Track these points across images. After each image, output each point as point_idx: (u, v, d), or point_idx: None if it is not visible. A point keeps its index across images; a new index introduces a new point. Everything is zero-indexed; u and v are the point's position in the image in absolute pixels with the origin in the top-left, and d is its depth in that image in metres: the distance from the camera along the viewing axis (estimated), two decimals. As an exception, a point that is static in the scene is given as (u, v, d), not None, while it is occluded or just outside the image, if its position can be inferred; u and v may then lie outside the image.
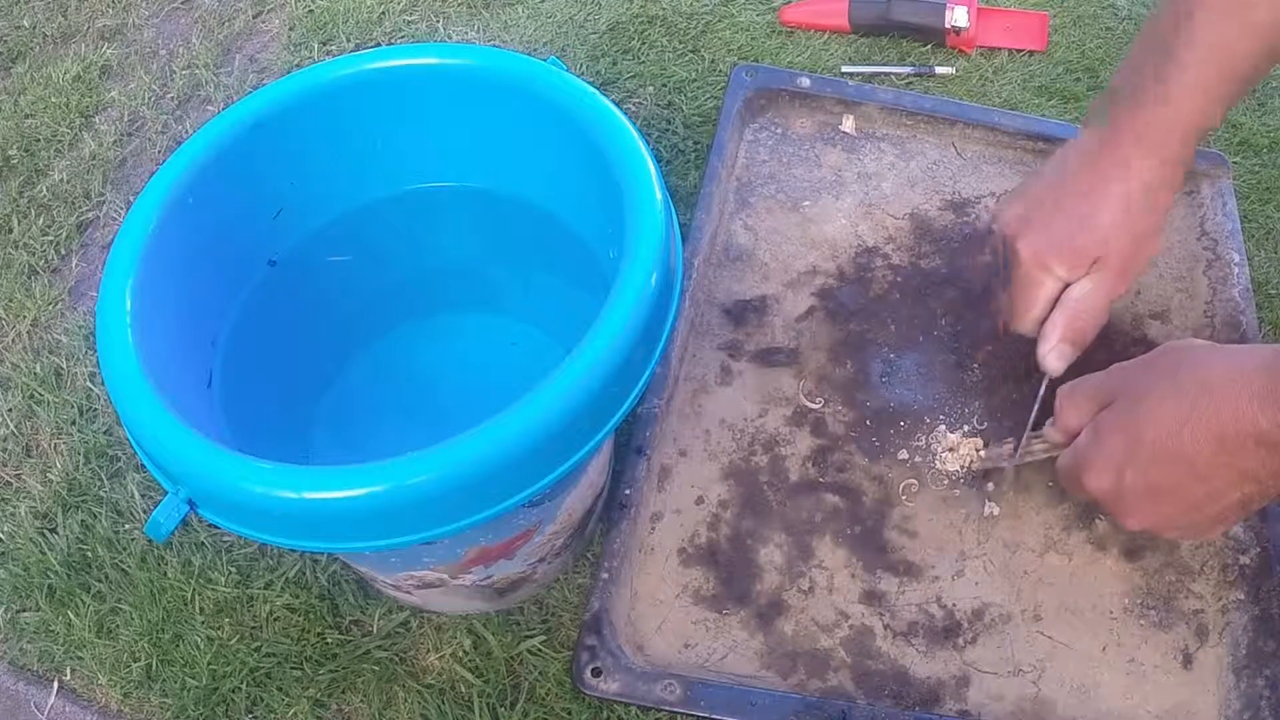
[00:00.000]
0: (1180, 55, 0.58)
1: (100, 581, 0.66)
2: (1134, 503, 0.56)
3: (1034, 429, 0.65)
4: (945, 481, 0.68)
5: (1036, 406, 0.65)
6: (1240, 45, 0.58)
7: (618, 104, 0.57)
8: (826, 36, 0.94)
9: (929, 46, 0.94)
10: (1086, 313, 0.62)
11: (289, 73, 0.70)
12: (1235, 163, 0.86)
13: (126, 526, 0.68)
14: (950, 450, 0.68)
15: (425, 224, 0.66)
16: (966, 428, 0.70)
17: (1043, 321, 0.63)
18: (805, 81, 0.86)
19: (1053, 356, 0.63)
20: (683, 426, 0.70)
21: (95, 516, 0.68)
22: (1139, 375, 0.57)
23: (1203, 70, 0.58)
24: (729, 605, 0.63)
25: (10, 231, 0.84)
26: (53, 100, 0.92)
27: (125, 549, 0.67)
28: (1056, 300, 0.63)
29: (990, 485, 0.68)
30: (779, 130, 0.86)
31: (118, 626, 0.65)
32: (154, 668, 0.63)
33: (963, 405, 0.71)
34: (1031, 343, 0.64)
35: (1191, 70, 0.58)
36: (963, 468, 0.68)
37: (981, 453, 0.68)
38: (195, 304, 0.55)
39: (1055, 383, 0.63)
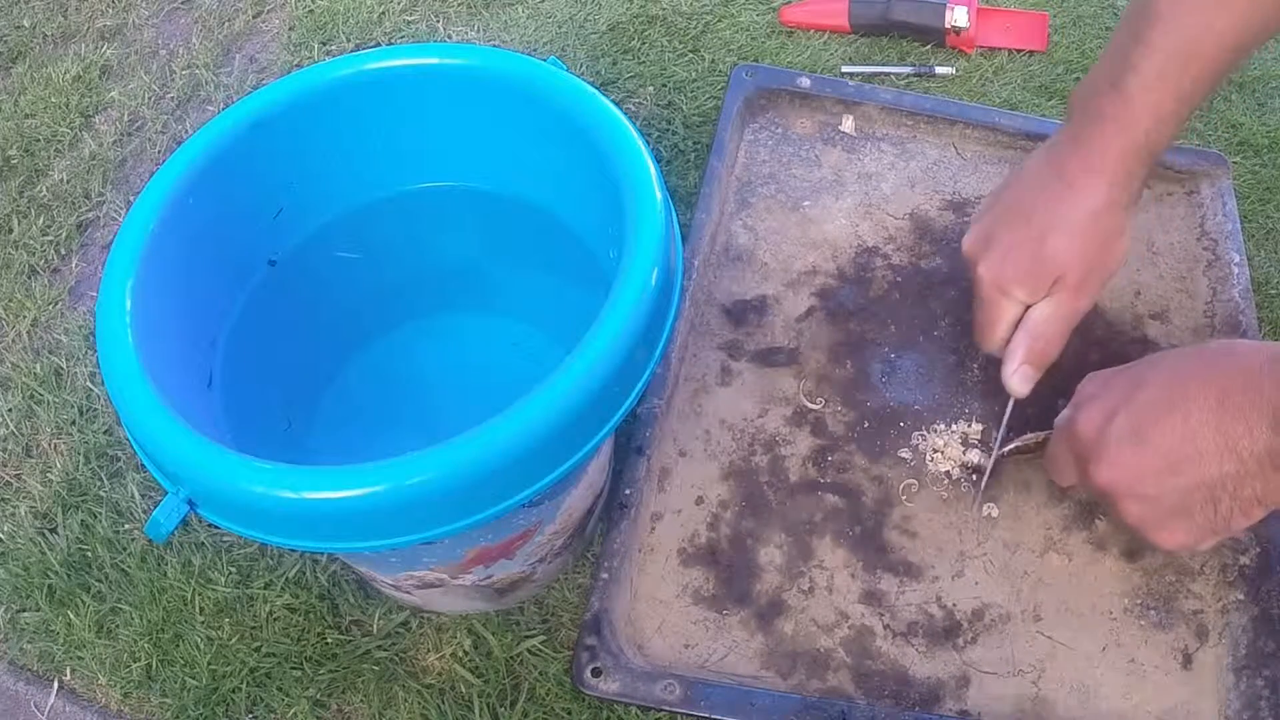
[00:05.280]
0: (1138, 69, 0.58)
1: (100, 581, 0.66)
2: (1114, 448, 0.55)
3: (1001, 447, 0.66)
4: (945, 482, 0.68)
5: (1004, 426, 0.66)
6: (1203, 49, 0.58)
7: (618, 104, 0.57)
8: (826, 36, 0.94)
9: (929, 46, 0.94)
10: (1047, 335, 0.63)
11: (289, 73, 0.70)
12: (1235, 163, 0.86)
13: (126, 526, 0.68)
14: (938, 451, 0.69)
15: (425, 224, 0.66)
16: (961, 428, 0.70)
17: (1007, 343, 0.64)
18: (805, 81, 0.86)
19: (1016, 379, 0.64)
20: (683, 426, 0.70)
21: (95, 516, 0.68)
22: (1169, 350, 0.57)
23: (1159, 87, 0.58)
24: (729, 605, 0.63)
25: (10, 231, 0.84)
26: (53, 100, 0.92)
27: (125, 549, 0.67)
28: (1020, 321, 0.63)
29: (985, 482, 0.68)
30: (779, 130, 0.86)
31: (118, 626, 0.65)
32: (154, 668, 0.63)
33: (963, 405, 0.71)
34: None
35: (1148, 88, 0.58)
36: (955, 469, 0.68)
37: (969, 453, 0.68)
38: (195, 304, 0.55)
39: (1019, 403, 0.65)
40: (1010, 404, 0.66)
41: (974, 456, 0.68)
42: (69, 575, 0.67)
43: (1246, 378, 0.50)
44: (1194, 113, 0.62)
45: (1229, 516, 0.53)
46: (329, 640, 0.64)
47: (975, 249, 0.64)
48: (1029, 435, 0.65)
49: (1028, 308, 0.63)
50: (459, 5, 0.97)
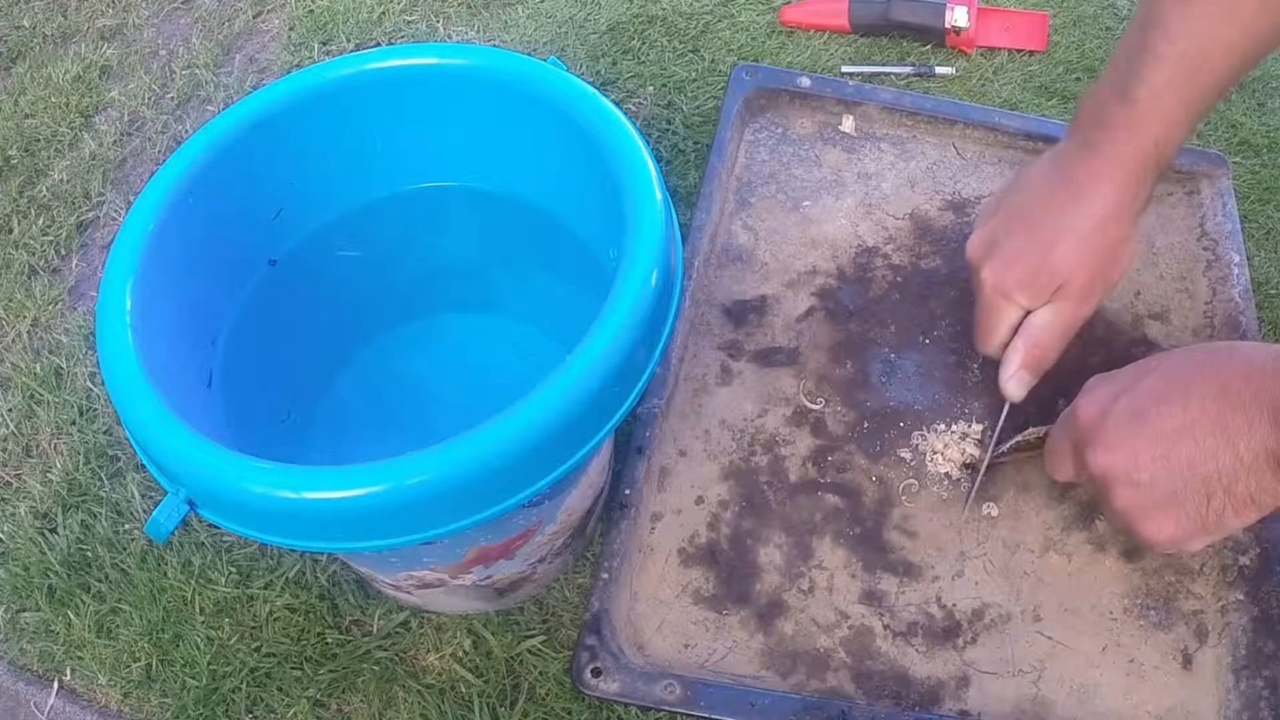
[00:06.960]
0: (1146, 78, 0.58)
1: (100, 581, 0.66)
2: (1112, 431, 0.55)
3: (995, 451, 0.66)
4: (945, 482, 0.68)
5: (998, 430, 0.66)
6: (1211, 58, 0.58)
7: (618, 104, 0.57)
8: (826, 36, 0.94)
9: (929, 46, 0.94)
10: (1045, 341, 0.63)
11: (289, 73, 0.70)
12: (1235, 163, 0.86)
13: (126, 526, 0.68)
14: (938, 452, 0.69)
15: (425, 224, 0.66)
16: (961, 428, 0.70)
17: (1005, 347, 0.65)
18: (805, 81, 0.86)
19: (1012, 384, 0.64)
20: (683, 426, 0.70)
21: (95, 516, 0.68)
22: (1176, 349, 0.58)
23: (1168, 96, 0.58)
24: (729, 605, 0.63)
25: (10, 231, 0.84)
26: (53, 100, 0.92)
27: (125, 549, 0.67)
28: (1019, 326, 0.64)
29: (979, 480, 0.68)
30: (779, 130, 0.86)
31: (118, 626, 0.65)
32: (154, 668, 0.63)
33: (963, 405, 0.71)
34: None
35: (1157, 98, 0.58)
36: (955, 469, 0.68)
37: (970, 451, 0.68)
38: (195, 304, 0.55)
39: (1014, 409, 0.65)
40: (1005, 408, 0.66)
41: (974, 455, 0.68)
42: (69, 575, 0.67)
43: (1250, 372, 0.51)
44: (1202, 121, 0.62)
45: (1221, 512, 0.52)
46: (329, 640, 0.64)
47: (979, 253, 0.65)
48: (1030, 430, 0.65)
49: (1028, 313, 0.63)
50: (459, 5, 0.97)
